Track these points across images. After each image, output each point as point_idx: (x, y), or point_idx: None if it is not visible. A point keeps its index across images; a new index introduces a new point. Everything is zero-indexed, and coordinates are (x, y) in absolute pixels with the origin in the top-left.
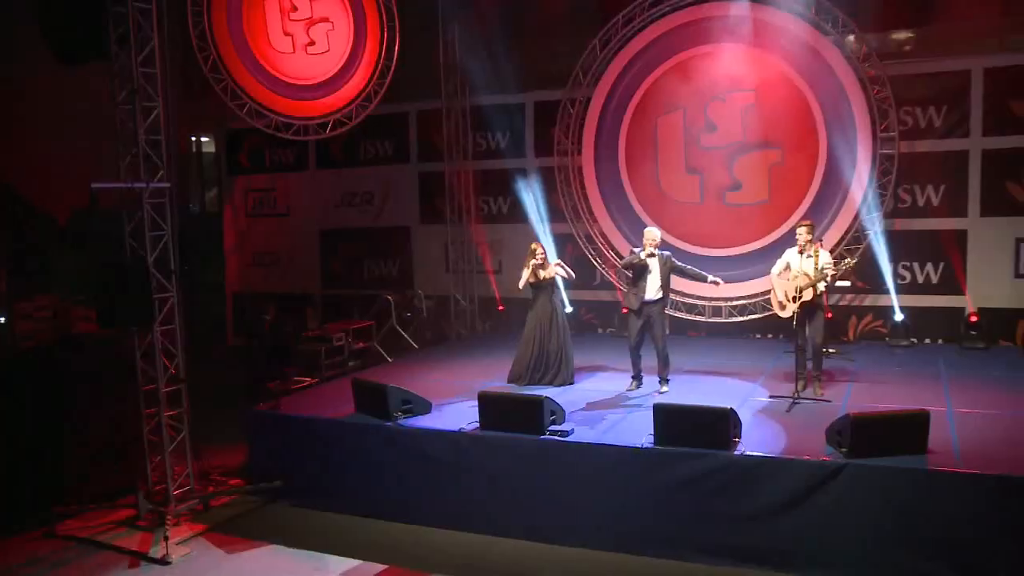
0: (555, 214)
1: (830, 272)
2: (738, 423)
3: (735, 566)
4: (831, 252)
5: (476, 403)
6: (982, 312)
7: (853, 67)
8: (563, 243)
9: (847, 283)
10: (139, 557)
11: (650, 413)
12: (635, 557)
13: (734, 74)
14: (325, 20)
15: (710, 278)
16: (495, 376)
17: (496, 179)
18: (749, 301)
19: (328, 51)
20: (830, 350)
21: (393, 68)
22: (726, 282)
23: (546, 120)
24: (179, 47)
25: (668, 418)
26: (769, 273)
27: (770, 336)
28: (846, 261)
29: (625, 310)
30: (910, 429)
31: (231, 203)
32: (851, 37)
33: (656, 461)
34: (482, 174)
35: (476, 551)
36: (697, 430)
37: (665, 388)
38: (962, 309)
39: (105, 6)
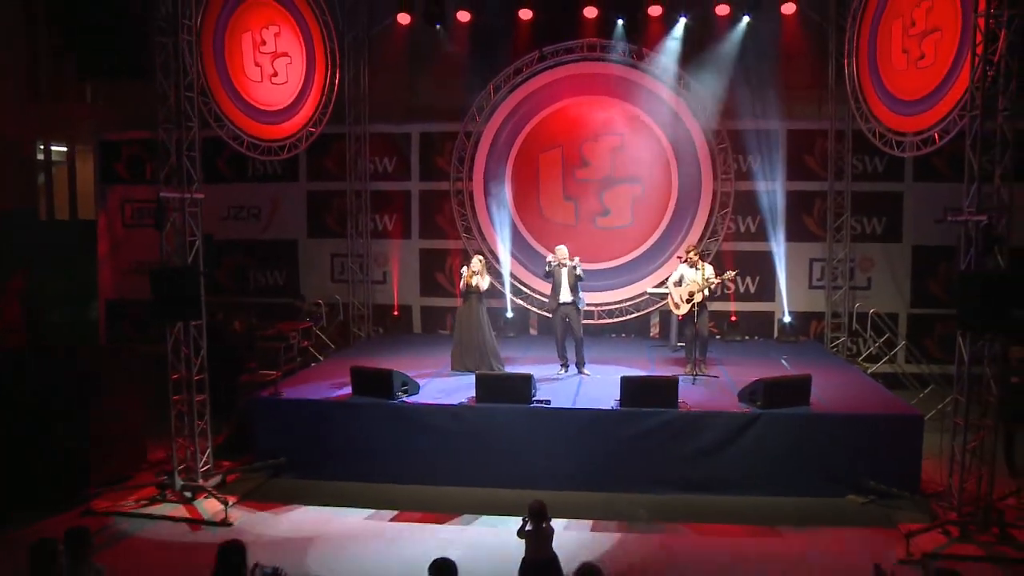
0: (437, 231)
1: (714, 281)
2: None
3: (685, 493)
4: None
5: (442, 383)
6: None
7: (699, 121)
8: (443, 257)
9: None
10: (199, 523)
11: (593, 387)
12: (607, 494)
13: (605, 121)
14: (285, 55)
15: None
16: (438, 366)
17: (386, 199)
18: (616, 306)
19: (287, 82)
20: (679, 344)
21: (334, 98)
22: (597, 291)
23: (430, 149)
24: (30, 56)
25: (631, 385)
26: (633, 283)
27: (623, 335)
28: (727, 273)
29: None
30: (799, 388)
31: (105, 212)
32: (698, 97)
33: (622, 419)
34: (374, 194)
35: (479, 499)
36: (654, 394)
37: (587, 372)
38: (772, 313)
39: (149, 36)
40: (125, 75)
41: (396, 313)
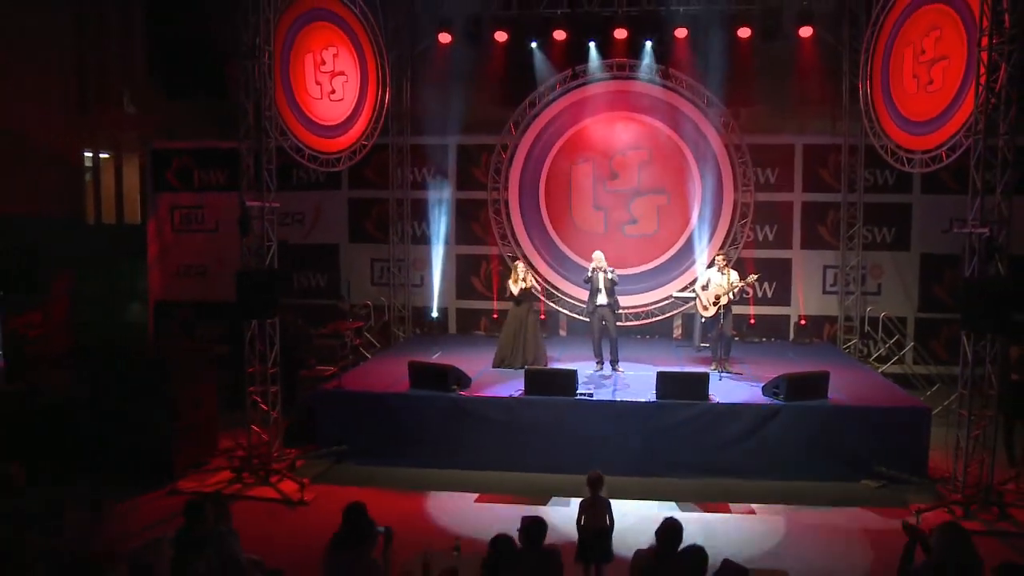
0: (472, 237)
1: (738, 285)
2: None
3: (713, 478)
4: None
5: (485, 378)
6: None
7: (721, 136)
8: (478, 262)
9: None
10: (279, 502)
11: (629, 380)
12: (644, 478)
13: (633, 136)
14: (342, 73)
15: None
16: (479, 362)
17: (424, 206)
18: (642, 309)
19: (343, 99)
20: (702, 344)
21: (385, 113)
22: (625, 295)
23: (467, 160)
24: (76, 69)
25: (666, 380)
26: (658, 288)
27: (648, 337)
28: (750, 277)
29: (543, 317)
30: (818, 383)
31: (155, 218)
32: (719, 114)
33: (658, 410)
34: (413, 202)
35: (529, 483)
36: (686, 387)
37: (621, 369)
38: (788, 316)
39: (215, 59)
40: (204, 94)
41: (434, 315)
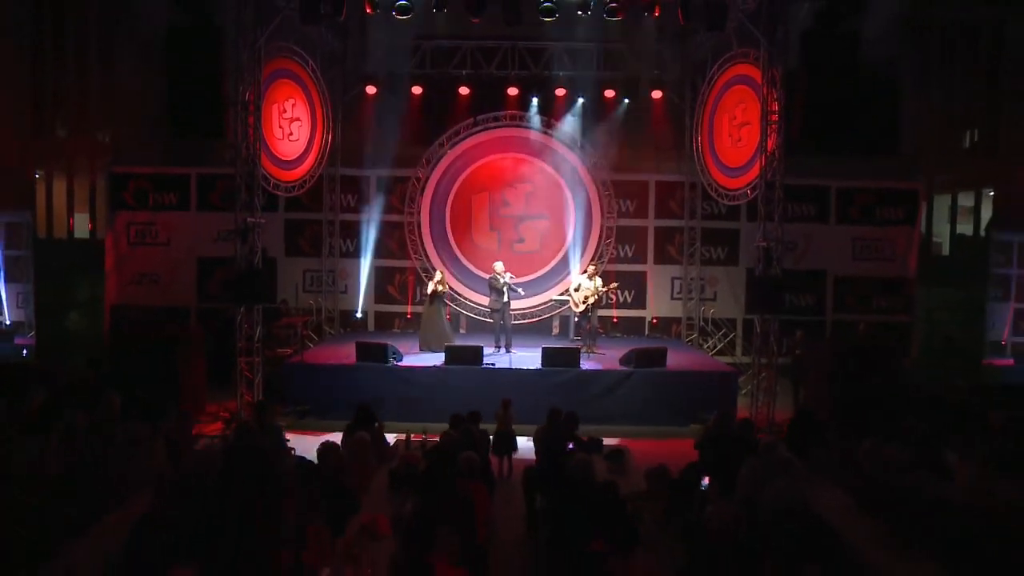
0: (387, 252)
1: (602, 290)
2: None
3: (586, 424)
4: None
5: (418, 354)
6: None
7: (591, 173)
8: (394, 274)
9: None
10: None
11: (520, 358)
12: (532, 426)
13: (521, 172)
14: (298, 119)
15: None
16: (406, 346)
17: (352, 227)
18: (528, 311)
19: (298, 139)
20: (575, 338)
21: (329, 150)
22: (513, 299)
23: (386, 189)
24: (35, 97)
25: (548, 353)
26: (540, 293)
27: (534, 333)
28: (612, 285)
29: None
30: (659, 355)
31: (112, 232)
32: (590, 155)
33: (544, 375)
34: (341, 223)
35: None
36: (564, 359)
37: (514, 351)
38: (644, 317)
39: (222, 106)
40: (204, 134)
41: (358, 315)
